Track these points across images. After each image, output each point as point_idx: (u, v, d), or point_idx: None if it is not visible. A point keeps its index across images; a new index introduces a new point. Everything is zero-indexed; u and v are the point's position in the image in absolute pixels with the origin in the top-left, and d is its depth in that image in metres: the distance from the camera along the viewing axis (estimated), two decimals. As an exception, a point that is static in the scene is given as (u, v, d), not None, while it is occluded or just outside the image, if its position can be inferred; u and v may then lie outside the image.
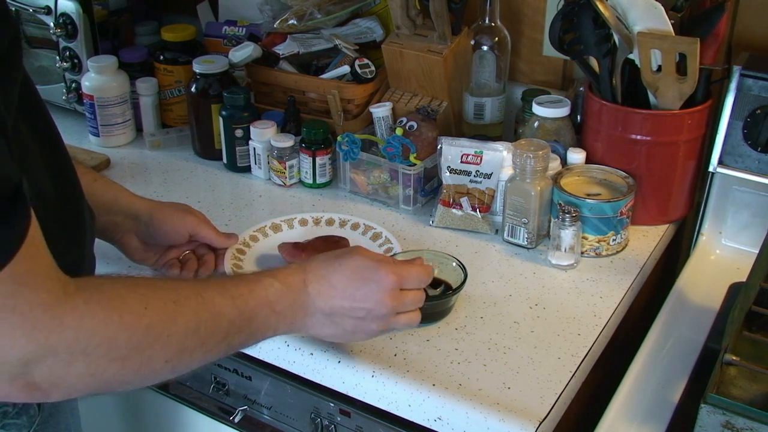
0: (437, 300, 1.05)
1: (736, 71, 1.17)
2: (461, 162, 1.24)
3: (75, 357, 0.67)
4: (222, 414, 1.16)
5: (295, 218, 1.25)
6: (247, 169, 1.44)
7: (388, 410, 0.97)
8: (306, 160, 1.37)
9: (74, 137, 1.55)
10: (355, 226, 1.22)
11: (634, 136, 1.21)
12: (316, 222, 1.24)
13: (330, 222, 1.24)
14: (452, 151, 1.25)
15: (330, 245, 1.12)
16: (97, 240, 0.98)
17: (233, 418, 1.14)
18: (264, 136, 1.38)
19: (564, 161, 1.26)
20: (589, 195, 1.18)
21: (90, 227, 0.93)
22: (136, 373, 0.73)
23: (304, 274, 0.87)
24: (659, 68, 1.16)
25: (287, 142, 1.36)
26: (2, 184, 0.63)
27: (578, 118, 1.33)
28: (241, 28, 1.66)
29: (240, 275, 0.86)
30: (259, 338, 0.85)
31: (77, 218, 0.89)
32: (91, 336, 0.68)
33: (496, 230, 1.25)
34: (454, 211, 1.25)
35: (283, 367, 1.03)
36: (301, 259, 1.04)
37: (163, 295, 0.75)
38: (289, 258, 1.11)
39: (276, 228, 1.23)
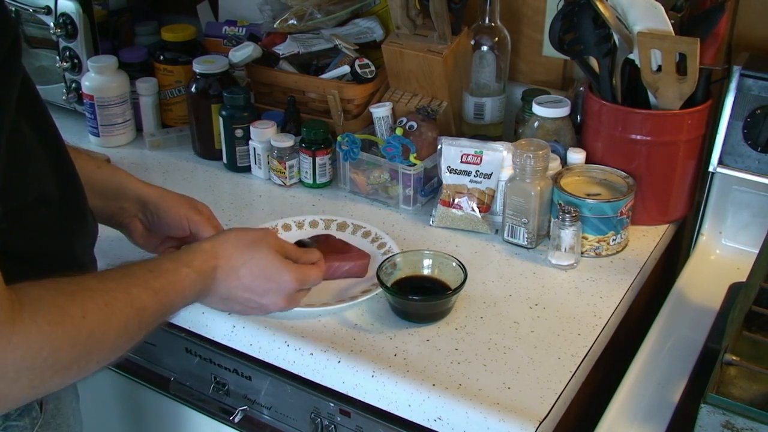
0: (437, 300, 1.05)
1: (736, 71, 1.17)
2: (461, 162, 1.24)
3: (21, 374, 0.68)
4: (222, 414, 1.16)
5: (305, 220, 1.25)
6: (247, 169, 1.44)
7: (388, 410, 0.97)
8: (306, 160, 1.37)
9: (74, 137, 1.55)
10: (366, 234, 1.22)
11: (634, 136, 1.21)
12: (327, 225, 1.25)
13: (342, 226, 1.24)
14: (452, 151, 1.25)
15: (321, 246, 1.12)
16: (97, 240, 0.98)
17: (233, 418, 1.14)
18: (264, 136, 1.38)
19: (564, 161, 1.26)
20: (589, 195, 1.18)
21: (92, 229, 0.93)
22: (73, 378, 0.75)
23: (216, 260, 0.93)
24: (659, 68, 1.16)
25: (287, 142, 1.36)
26: None
27: (578, 118, 1.33)
28: (241, 28, 1.66)
29: (159, 262, 0.89)
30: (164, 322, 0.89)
31: (80, 220, 0.89)
32: (38, 352, 0.69)
33: (496, 230, 1.25)
34: (454, 211, 1.25)
35: (283, 367, 1.03)
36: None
37: (96, 299, 0.76)
38: None
39: (286, 228, 1.23)
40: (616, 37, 1.17)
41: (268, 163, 1.40)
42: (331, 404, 1.03)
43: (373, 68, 1.43)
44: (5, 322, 0.66)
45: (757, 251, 1.04)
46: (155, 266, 0.87)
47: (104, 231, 1.09)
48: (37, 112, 0.84)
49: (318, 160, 1.36)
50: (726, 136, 1.20)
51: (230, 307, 0.98)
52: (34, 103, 0.83)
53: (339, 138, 1.33)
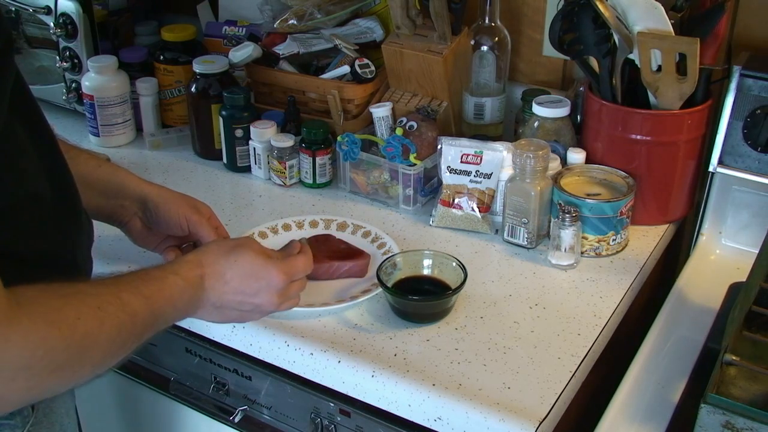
0: (437, 300, 1.05)
1: (736, 71, 1.17)
2: (461, 162, 1.24)
3: (17, 373, 0.69)
4: (222, 414, 1.16)
5: (305, 219, 1.25)
6: (247, 169, 1.44)
7: (388, 410, 0.97)
8: (306, 160, 1.37)
9: (74, 137, 1.55)
10: (366, 234, 1.22)
11: (634, 136, 1.21)
12: (327, 225, 1.25)
13: (342, 226, 1.24)
14: (452, 151, 1.25)
15: (321, 246, 1.12)
16: (96, 240, 0.98)
17: (233, 418, 1.14)
18: (264, 136, 1.38)
19: (564, 161, 1.26)
20: (589, 195, 1.18)
21: (87, 230, 0.93)
22: (68, 381, 0.75)
23: (201, 269, 0.92)
24: (659, 68, 1.16)
25: (287, 142, 1.36)
26: None
27: (578, 118, 1.33)
28: (241, 28, 1.66)
29: (147, 271, 0.88)
30: (158, 332, 0.88)
31: (73, 220, 0.89)
32: (34, 351, 0.69)
33: (496, 230, 1.25)
34: (454, 211, 1.25)
35: (283, 367, 1.03)
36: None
37: (90, 303, 0.76)
38: None
39: (286, 228, 1.23)
40: (616, 37, 1.17)
41: (268, 163, 1.40)
42: (331, 404, 1.03)
43: (373, 68, 1.43)
44: (3, 321, 0.67)
45: (757, 251, 1.04)
46: (144, 273, 0.87)
47: (103, 231, 1.09)
48: (29, 111, 0.84)
49: (318, 160, 1.36)
50: (726, 136, 1.20)
51: (227, 315, 0.96)
52: (27, 103, 0.84)
53: (339, 138, 1.33)
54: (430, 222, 1.27)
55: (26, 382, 0.70)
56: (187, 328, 1.10)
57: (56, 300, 0.74)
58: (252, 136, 1.39)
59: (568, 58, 1.26)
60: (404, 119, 1.33)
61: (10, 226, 0.79)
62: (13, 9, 1.54)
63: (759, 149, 1.18)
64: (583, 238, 1.17)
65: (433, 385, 0.94)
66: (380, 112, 1.37)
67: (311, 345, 1.01)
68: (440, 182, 1.27)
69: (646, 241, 1.24)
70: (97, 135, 1.53)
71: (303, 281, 1.01)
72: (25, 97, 0.83)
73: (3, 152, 0.75)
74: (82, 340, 0.74)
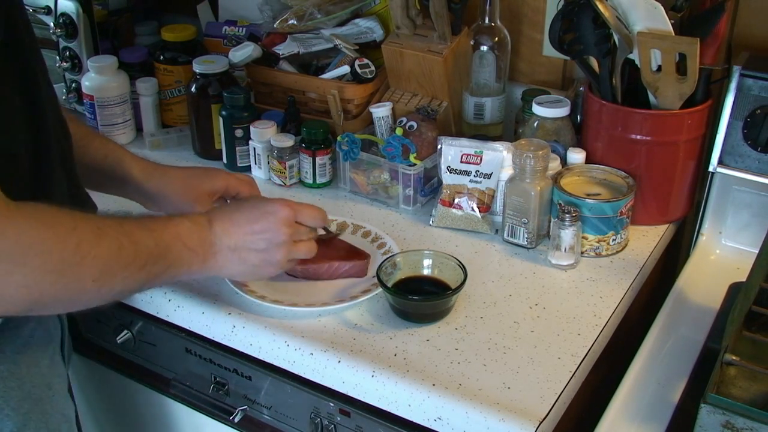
0: (437, 300, 1.05)
1: (736, 71, 1.17)
2: (461, 162, 1.24)
3: (13, 268, 0.73)
4: (222, 414, 1.16)
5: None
6: (247, 169, 1.43)
7: (388, 410, 0.97)
8: (306, 160, 1.37)
9: (74, 137, 1.55)
10: (366, 234, 1.22)
11: (634, 136, 1.21)
12: (327, 225, 1.24)
13: (342, 226, 1.24)
14: (452, 151, 1.25)
15: (321, 246, 1.12)
16: None
17: (233, 418, 1.14)
18: (264, 136, 1.38)
19: (564, 161, 1.26)
20: (589, 195, 1.18)
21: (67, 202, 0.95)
22: (66, 288, 0.78)
23: (208, 215, 0.97)
24: (659, 68, 1.16)
25: (287, 142, 1.36)
26: None
27: (578, 118, 1.33)
28: (241, 28, 1.66)
29: (154, 215, 0.96)
30: (176, 273, 0.91)
31: (48, 189, 0.91)
32: (29, 247, 0.74)
33: (496, 230, 1.25)
34: (454, 211, 1.25)
35: (283, 367, 1.03)
36: (303, 268, 1.11)
37: (89, 221, 0.82)
38: (292, 271, 1.12)
39: None
40: (616, 37, 1.18)
41: (268, 163, 1.40)
42: (331, 404, 1.03)
43: (373, 68, 1.43)
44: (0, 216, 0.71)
45: (757, 251, 1.04)
46: (151, 215, 0.93)
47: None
48: (25, 70, 0.86)
49: (318, 160, 1.36)
50: (726, 136, 1.20)
51: (249, 262, 0.97)
52: (25, 60, 0.86)
53: (339, 138, 1.33)
54: (430, 222, 1.27)
55: (23, 279, 0.73)
56: (187, 328, 1.10)
57: (55, 210, 0.78)
58: (252, 136, 1.39)
59: (568, 58, 1.26)
60: (404, 119, 1.33)
61: None
62: (13, 9, 1.54)
63: (759, 149, 1.18)
64: (583, 238, 1.17)
65: (433, 385, 0.94)
66: (380, 112, 1.37)
67: (311, 345, 1.01)
68: (440, 182, 1.27)
69: (646, 241, 1.24)
70: (97, 135, 1.53)
71: (312, 232, 1.03)
72: (24, 48, 0.85)
73: None
74: (76, 249, 0.77)
